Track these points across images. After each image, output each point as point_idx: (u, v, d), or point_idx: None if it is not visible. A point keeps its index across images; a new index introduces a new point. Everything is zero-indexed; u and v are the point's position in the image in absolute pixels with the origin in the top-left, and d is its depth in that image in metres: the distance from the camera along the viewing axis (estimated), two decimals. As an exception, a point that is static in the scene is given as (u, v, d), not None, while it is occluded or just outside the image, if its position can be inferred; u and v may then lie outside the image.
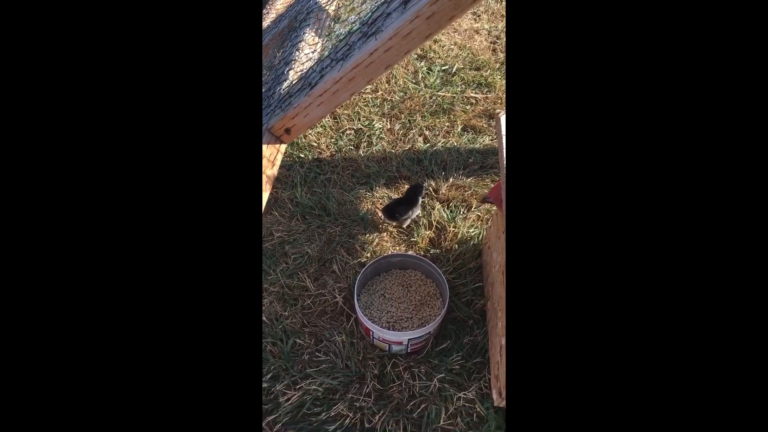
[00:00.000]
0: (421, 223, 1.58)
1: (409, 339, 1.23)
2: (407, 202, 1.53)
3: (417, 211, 1.55)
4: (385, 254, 1.44)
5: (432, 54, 2.25)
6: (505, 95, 2.04)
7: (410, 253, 1.50)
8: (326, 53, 1.02)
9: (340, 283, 1.45)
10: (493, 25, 2.46)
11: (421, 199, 1.54)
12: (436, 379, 1.23)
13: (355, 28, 0.99)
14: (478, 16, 2.54)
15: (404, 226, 1.57)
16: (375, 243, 1.54)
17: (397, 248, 1.53)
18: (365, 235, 1.57)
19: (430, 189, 1.69)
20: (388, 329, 1.30)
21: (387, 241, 1.55)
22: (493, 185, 1.66)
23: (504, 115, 1.13)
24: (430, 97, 2.05)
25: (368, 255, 1.51)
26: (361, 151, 1.84)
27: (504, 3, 2.60)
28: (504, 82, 2.11)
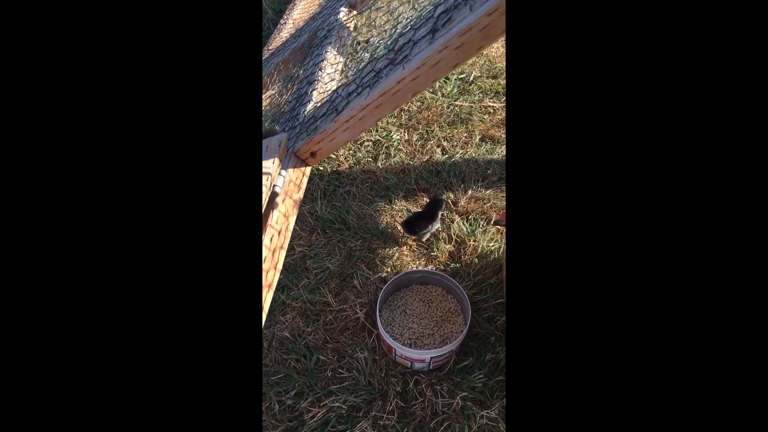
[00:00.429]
0: (440, 237, 1.58)
1: (431, 357, 1.24)
2: (427, 216, 1.53)
3: (436, 225, 1.55)
4: (406, 270, 1.44)
5: (448, 62, 2.24)
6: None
7: (430, 268, 1.51)
8: (351, 76, 1.03)
9: (361, 298, 1.46)
10: (509, 31, 2.44)
11: (440, 213, 1.54)
12: (458, 397, 1.23)
13: (380, 53, 1.00)
14: (495, 21, 2.51)
15: (423, 239, 1.58)
16: (395, 257, 1.54)
17: (417, 262, 1.54)
18: (385, 249, 1.58)
19: (449, 201, 1.69)
20: (410, 346, 1.30)
21: (407, 255, 1.56)
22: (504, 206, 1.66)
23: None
24: (448, 107, 2.04)
25: (388, 270, 1.52)
26: (379, 163, 1.85)
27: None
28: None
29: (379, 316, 1.30)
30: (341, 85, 1.06)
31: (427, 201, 1.66)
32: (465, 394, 1.24)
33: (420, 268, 1.49)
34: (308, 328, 1.40)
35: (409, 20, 1.05)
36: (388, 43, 1.08)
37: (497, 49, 2.32)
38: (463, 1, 0.80)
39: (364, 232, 1.62)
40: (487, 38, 0.78)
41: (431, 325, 1.35)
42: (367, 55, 1.13)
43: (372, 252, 1.57)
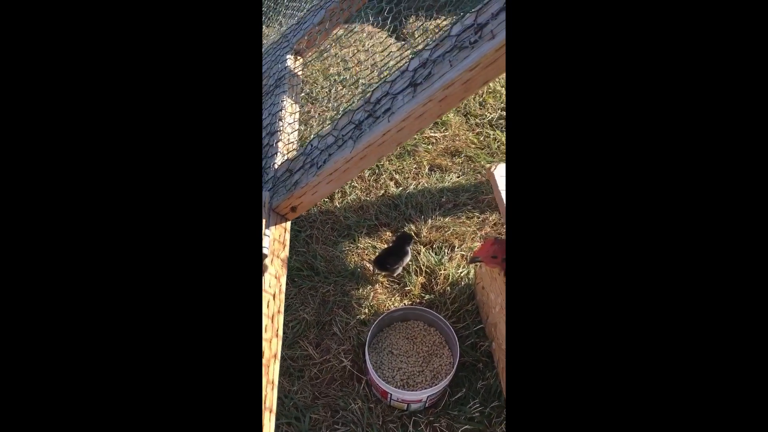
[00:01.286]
0: (410, 270, 1.60)
1: (428, 396, 1.24)
2: (396, 252, 1.55)
3: (407, 260, 1.57)
4: (387, 310, 1.44)
5: (385, 96, 2.32)
6: (461, 133, 2.15)
7: (405, 303, 1.52)
8: (326, 129, 1.02)
9: (343, 345, 1.42)
10: (435, 63, 2.59)
11: (409, 248, 1.57)
12: (459, 431, 1.24)
13: (355, 105, 1.01)
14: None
15: (395, 275, 1.58)
16: (371, 297, 1.53)
17: (392, 299, 1.54)
18: (359, 290, 1.56)
19: (411, 232, 1.72)
20: (403, 387, 1.29)
21: (381, 293, 1.55)
22: (480, 244, 1.74)
23: (497, 169, 1.20)
24: (393, 140, 2.09)
25: (366, 311, 1.50)
26: (336, 203, 1.84)
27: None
28: (457, 119, 2.22)
29: (369, 361, 1.28)
30: (314, 137, 1.05)
31: (393, 236, 1.68)
32: (465, 427, 1.25)
33: (399, 306, 1.49)
34: (294, 387, 1.33)
35: (369, 72, 1.07)
36: (355, 96, 1.09)
37: (428, 81, 2.45)
38: (441, 57, 0.84)
39: (334, 276, 1.59)
40: (469, 90, 0.83)
41: (420, 362, 1.36)
42: (339, 107, 1.13)
43: (346, 295, 1.54)
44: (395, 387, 1.28)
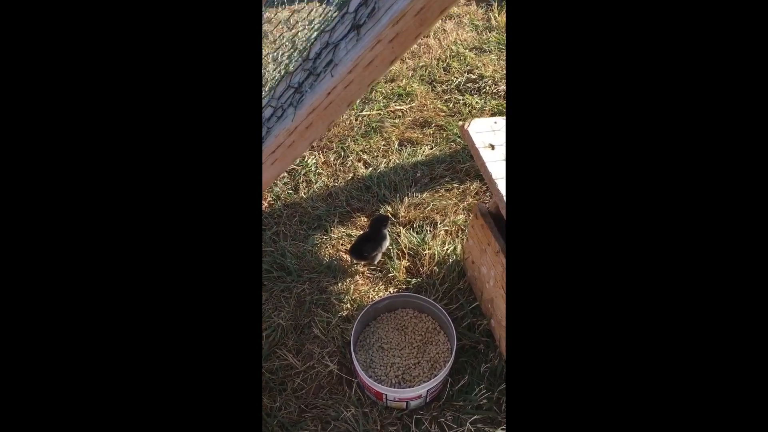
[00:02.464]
0: (392, 255, 1.46)
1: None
2: (373, 237, 1.40)
3: (386, 244, 1.42)
4: (370, 302, 1.29)
5: (342, 74, 2.14)
6: (428, 102, 2.00)
7: (391, 291, 1.37)
8: (263, 100, 0.86)
9: (327, 347, 1.27)
10: (392, 33, 2.43)
11: (386, 231, 1.42)
12: (468, 423, 1.11)
13: (292, 67, 0.84)
14: (374, 27, 2.49)
15: (375, 262, 1.44)
16: (351, 291, 1.38)
17: (376, 289, 1.39)
18: (337, 284, 1.40)
19: (388, 213, 1.57)
20: (399, 385, 1.15)
21: (363, 284, 1.41)
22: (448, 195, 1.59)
23: (472, 125, 1.05)
24: (357, 119, 1.94)
25: (348, 306, 1.35)
26: (302, 193, 1.67)
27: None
28: (422, 87, 2.07)
29: (357, 361, 1.13)
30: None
31: (369, 220, 1.53)
32: (474, 416, 1.12)
33: (383, 295, 1.34)
34: (276, 403, 1.18)
35: (312, 25, 0.91)
36: (297, 53, 0.93)
37: (386, 53, 2.28)
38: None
39: (308, 273, 1.43)
40: (424, 23, 0.67)
41: (414, 353, 1.22)
42: (276, 74, 0.96)
43: (324, 292, 1.38)
44: (389, 386, 1.14)
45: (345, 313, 1.33)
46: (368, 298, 1.36)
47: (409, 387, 1.13)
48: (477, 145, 1.00)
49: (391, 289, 1.39)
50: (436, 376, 1.12)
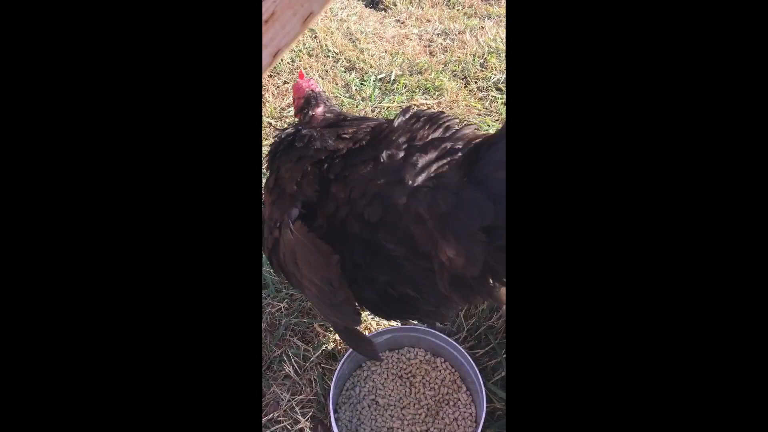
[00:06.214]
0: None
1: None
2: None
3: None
4: (368, 335, 0.92)
5: (361, 64, 1.87)
6: (459, 99, 1.68)
7: (397, 322, 1.01)
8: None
9: (300, 393, 0.90)
10: (422, 29, 2.16)
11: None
12: None
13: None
14: (402, 22, 2.24)
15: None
16: (343, 316, 1.02)
17: (376, 317, 1.03)
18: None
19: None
20: (397, 463, 0.77)
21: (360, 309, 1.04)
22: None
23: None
24: (372, 111, 1.63)
25: (335, 337, 0.99)
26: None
27: (425, 8, 2.33)
28: (453, 83, 1.76)
29: (336, 422, 0.76)
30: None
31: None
32: None
33: (385, 326, 0.98)
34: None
35: None
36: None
37: (413, 47, 2.01)
38: None
39: (289, 288, 1.08)
40: None
41: (423, 415, 0.84)
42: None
43: (306, 315, 1.03)
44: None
45: (330, 346, 0.97)
46: (364, 327, 1.00)
47: (410, 470, 0.75)
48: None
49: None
50: (452, 457, 0.74)
